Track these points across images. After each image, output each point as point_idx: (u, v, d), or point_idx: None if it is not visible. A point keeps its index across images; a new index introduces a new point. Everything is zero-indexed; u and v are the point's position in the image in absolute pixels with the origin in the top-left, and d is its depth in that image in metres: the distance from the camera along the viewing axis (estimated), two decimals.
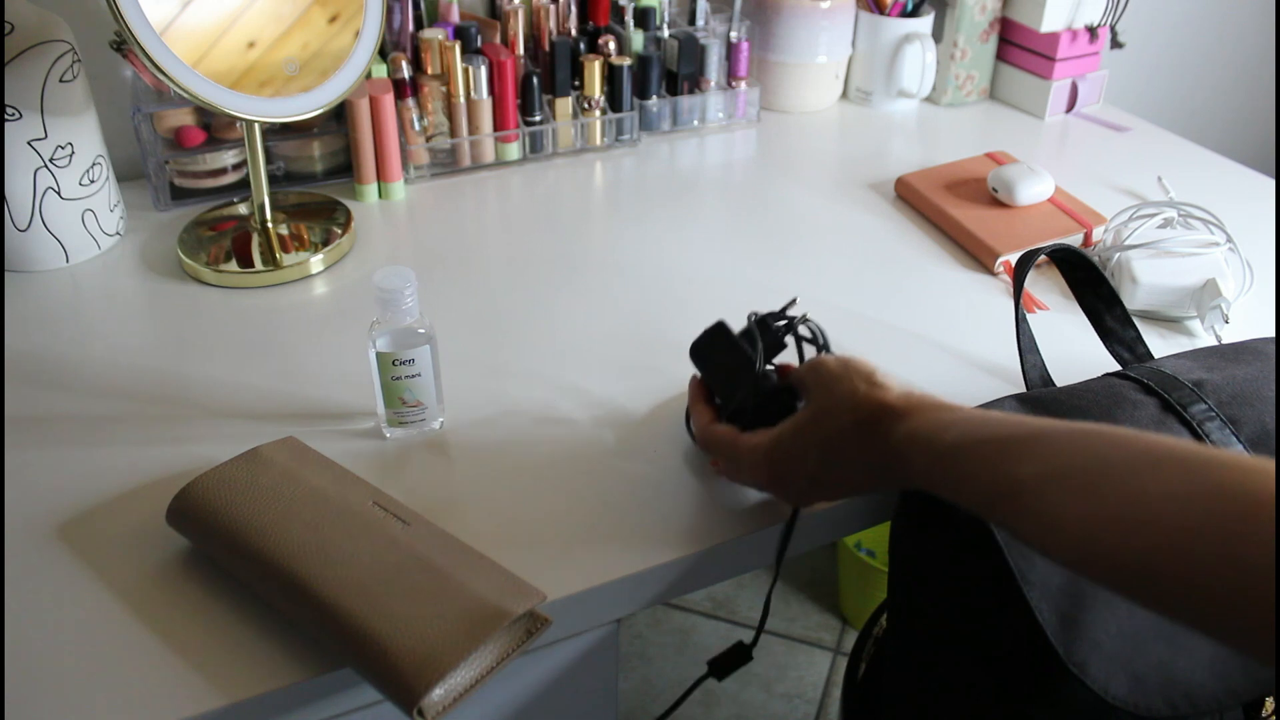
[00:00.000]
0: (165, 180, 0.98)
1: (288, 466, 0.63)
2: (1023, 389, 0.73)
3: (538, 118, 1.07)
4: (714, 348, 0.66)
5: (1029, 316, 0.85)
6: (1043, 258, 0.82)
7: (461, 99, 1.02)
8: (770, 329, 0.65)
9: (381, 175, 1.00)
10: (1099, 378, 0.66)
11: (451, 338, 0.81)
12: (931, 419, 0.51)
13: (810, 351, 0.66)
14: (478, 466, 0.68)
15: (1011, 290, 0.89)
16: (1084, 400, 0.62)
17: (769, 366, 0.65)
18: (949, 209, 0.97)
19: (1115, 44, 1.23)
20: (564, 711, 0.67)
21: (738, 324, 0.66)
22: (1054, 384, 0.72)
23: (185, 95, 0.78)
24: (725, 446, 0.61)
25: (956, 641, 0.63)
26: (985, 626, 0.60)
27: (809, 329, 0.66)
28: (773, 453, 0.58)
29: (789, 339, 0.66)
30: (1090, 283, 0.75)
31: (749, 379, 0.62)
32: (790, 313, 0.66)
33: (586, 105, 1.09)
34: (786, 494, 0.60)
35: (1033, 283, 0.90)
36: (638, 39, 1.12)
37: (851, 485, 0.56)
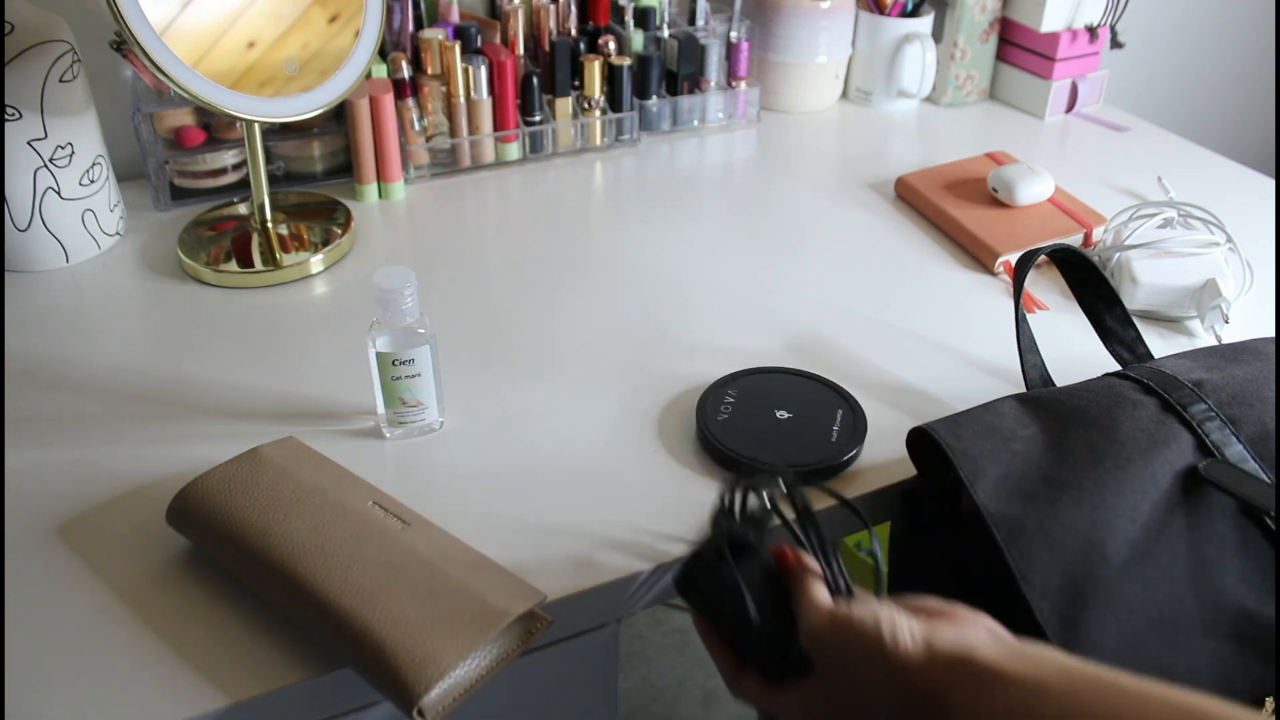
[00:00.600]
0: (165, 180, 0.98)
1: (288, 466, 0.63)
2: (1023, 388, 0.73)
3: (538, 118, 1.07)
4: (700, 585, 0.56)
5: (1029, 316, 0.85)
6: (1043, 257, 0.82)
7: (461, 99, 1.02)
8: (737, 535, 0.54)
9: (381, 175, 1.01)
10: (1099, 377, 0.66)
11: (451, 338, 0.81)
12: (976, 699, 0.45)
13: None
14: (478, 466, 0.68)
15: (1011, 290, 0.89)
16: (1084, 400, 0.62)
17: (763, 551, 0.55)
18: (949, 209, 0.97)
19: (1115, 44, 1.23)
20: (564, 711, 0.67)
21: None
22: (1054, 384, 0.72)
23: (185, 95, 0.78)
24: (760, 704, 0.54)
25: None
26: None
27: (790, 506, 0.54)
28: None
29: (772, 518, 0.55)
30: (1090, 283, 0.75)
31: (751, 639, 0.53)
32: (754, 499, 0.54)
33: (586, 105, 1.09)
34: None
35: (1033, 283, 0.90)
36: (638, 39, 1.12)
37: None
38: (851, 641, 0.48)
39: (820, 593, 0.51)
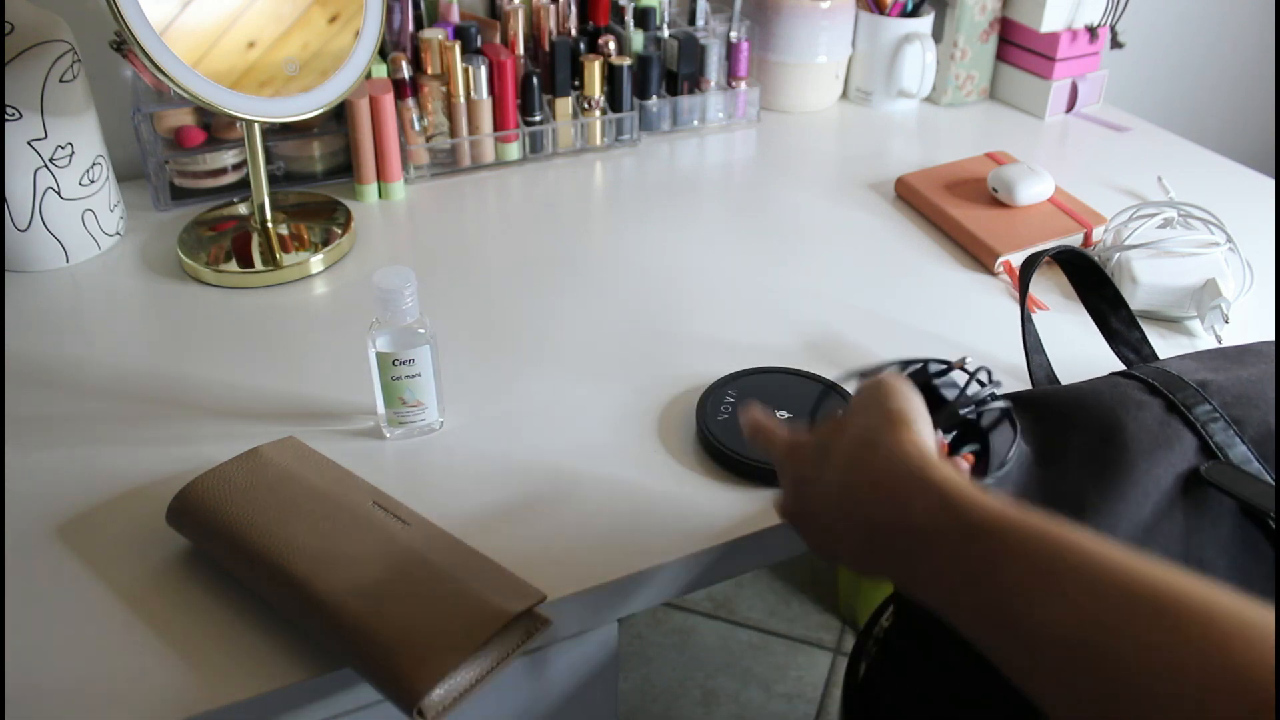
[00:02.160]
0: (165, 180, 0.98)
1: (288, 466, 0.63)
2: (1027, 388, 0.73)
3: (538, 118, 1.07)
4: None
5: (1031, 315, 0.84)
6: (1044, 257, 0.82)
7: (461, 99, 1.02)
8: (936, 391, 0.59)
9: (381, 175, 1.00)
10: (1104, 377, 0.66)
11: (451, 338, 0.81)
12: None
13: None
14: (478, 466, 0.68)
15: (1011, 290, 0.89)
16: (1089, 399, 0.62)
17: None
18: (949, 209, 0.97)
19: (1115, 44, 1.23)
20: (564, 711, 0.67)
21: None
22: (1059, 382, 0.72)
23: (185, 95, 0.78)
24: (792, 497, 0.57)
25: (958, 642, 0.63)
26: None
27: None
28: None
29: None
30: (1095, 285, 0.75)
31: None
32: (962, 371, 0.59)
33: (586, 105, 1.09)
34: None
35: (1033, 283, 0.90)
36: (638, 39, 1.12)
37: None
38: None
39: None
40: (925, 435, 0.51)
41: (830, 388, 0.74)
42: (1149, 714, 0.36)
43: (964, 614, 0.44)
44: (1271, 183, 1.09)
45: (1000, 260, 0.91)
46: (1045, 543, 0.42)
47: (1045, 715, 0.54)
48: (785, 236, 0.97)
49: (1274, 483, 0.57)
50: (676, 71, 1.13)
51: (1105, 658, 0.38)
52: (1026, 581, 0.41)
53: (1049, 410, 0.62)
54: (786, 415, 0.71)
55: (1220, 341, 0.82)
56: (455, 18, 1.06)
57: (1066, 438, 0.60)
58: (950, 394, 0.61)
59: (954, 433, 0.61)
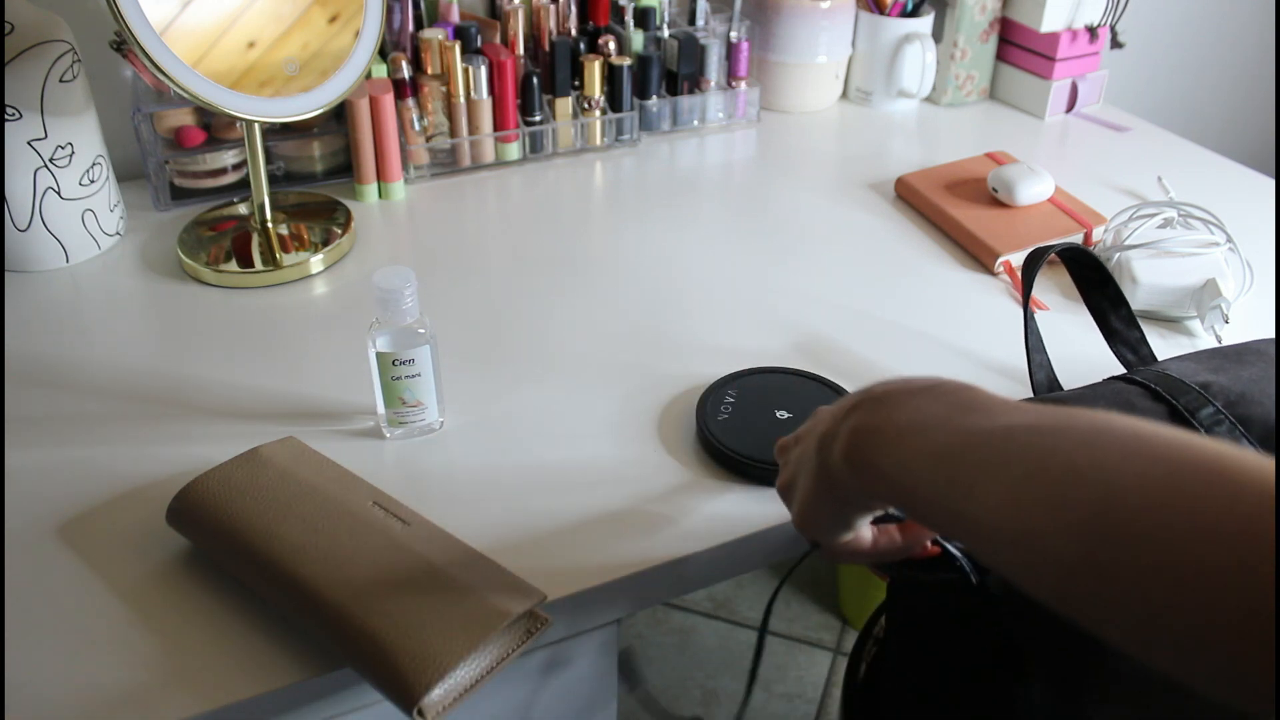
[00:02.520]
0: (165, 180, 0.98)
1: (288, 467, 0.63)
2: (1028, 387, 0.73)
3: (538, 118, 1.07)
4: None
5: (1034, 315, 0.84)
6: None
7: (461, 99, 1.02)
8: None
9: (381, 175, 1.00)
10: (1105, 382, 0.65)
11: (451, 338, 0.81)
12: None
13: None
14: (478, 466, 0.68)
15: (1011, 290, 0.89)
16: (1092, 407, 0.62)
17: None
18: (949, 209, 0.97)
19: (1115, 44, 1.23)
20: (564, 711, 0.67)
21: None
22: (1059, 384, 0.72)
23: (185, 95, 0.78)
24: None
25: (957, 642, 0.63)
26: None
27: None
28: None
29: None
30: (1097, 283, 0.75)
31: None
32: None
33: (586, 105, 1.09)
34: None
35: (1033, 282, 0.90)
36: (638, 39, 1.12)
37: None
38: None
39: None
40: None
41: (830, 388, 0.73)
42: (1160, 557, 0.33)
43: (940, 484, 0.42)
44: (1271, 183, 1.09)
45: (1000, 260, 0.91)
46: (1059, 413, 0.40)
47: (1043, 686, 0.53)
48: (785, 236, 0.97)
49: None
50: (676, 71, 1.13)
51: (1123, 503, 0.35)
52: (1038, 440, 0.39)
53: None
54: (787, 415, 0.71)
55: (1220, 341, 0.82)
56: (455, 18, 1.06)
57: None
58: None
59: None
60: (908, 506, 0.45)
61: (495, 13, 1.11)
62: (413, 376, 0.67)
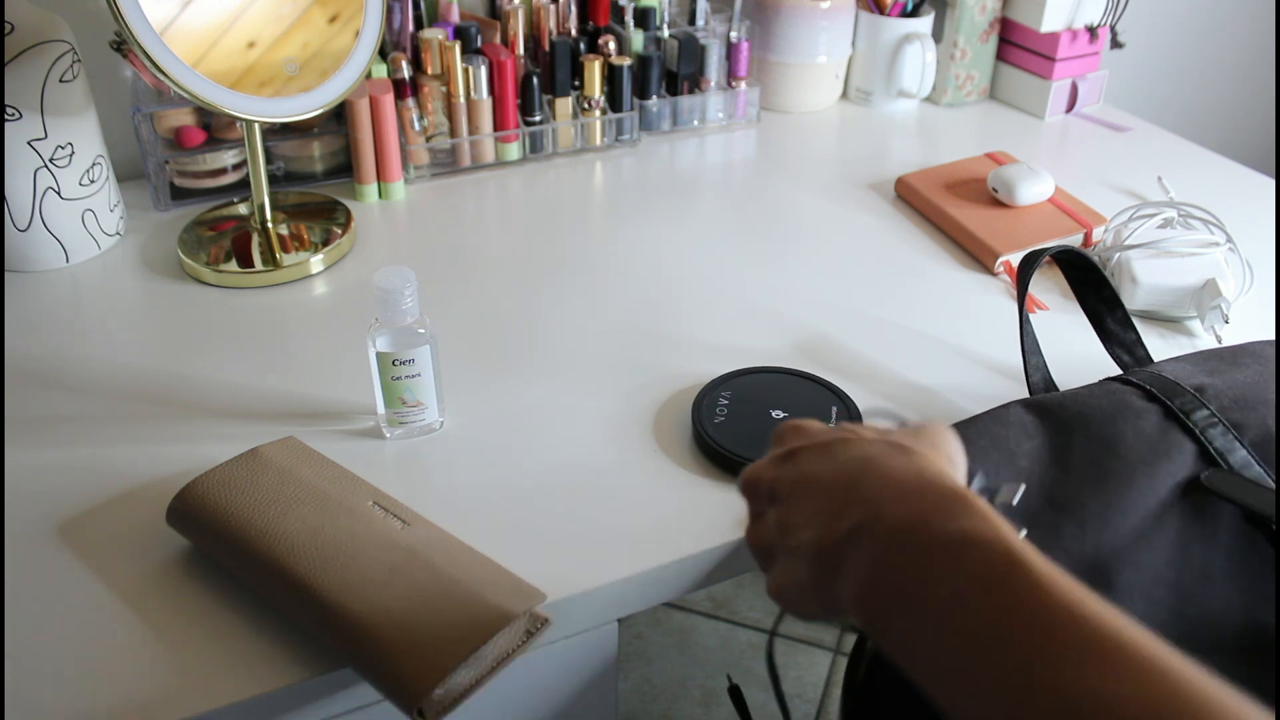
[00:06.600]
0: (165, 180, 0.98)
1: (288, 466, 0.63)
2: (1024, 389, 0.73)
3: (538, 118, 1.07)
4: None
5: (1029, 317, 0.85)
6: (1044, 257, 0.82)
7: (461, 99, 1.02)
8: None
9: (381, 175, 1.01)
10: (1100, 383, 0.65)
11: (451, 338, 0.81)
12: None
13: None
14: (478, 466, 0.68)
15: (1011, 290, 0.89)
16: (1088, 408, 0.62)
17: None
18: (949, 209, 0.97)
19: (1115, 44, 1.23)
20: (564, 711, 0.67)
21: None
22: (1055, 385, 0.72)
23: (185, 95, 0.78)
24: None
25: None
26: None
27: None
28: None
29: None
30: (1092, 284, 0.75)
31: None
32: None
33: (586, 105, 1.09)
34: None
35: (1033, 283, 0.90)
36: (638, 39, 1.12)
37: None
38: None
39: None
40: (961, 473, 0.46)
41: (830, 389, 0.73)
42: None
43: (956, 642, 0.37)
44: (1271, 183, 1.09)
45: (1000, 260, 0.91)
46: (1090, 607, 0.36)
47: None
48: (785, 236, 0.97)
49: (1274, 487, 0.57)
50: (676, 71, 1.13)
51: None
52: (1062, 636, 0.35)
53: (1048, 416, 0.62)
54: (782, 415, 0.71)
55: (1220, 342, 0.82)
56: (455, 18, 1.06)
57: (1066, 452, 0.60)
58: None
59: None
60: (918, 682, 0.39)
61: (495, 13, 1.11)
62: (413, 376, 0.67)
